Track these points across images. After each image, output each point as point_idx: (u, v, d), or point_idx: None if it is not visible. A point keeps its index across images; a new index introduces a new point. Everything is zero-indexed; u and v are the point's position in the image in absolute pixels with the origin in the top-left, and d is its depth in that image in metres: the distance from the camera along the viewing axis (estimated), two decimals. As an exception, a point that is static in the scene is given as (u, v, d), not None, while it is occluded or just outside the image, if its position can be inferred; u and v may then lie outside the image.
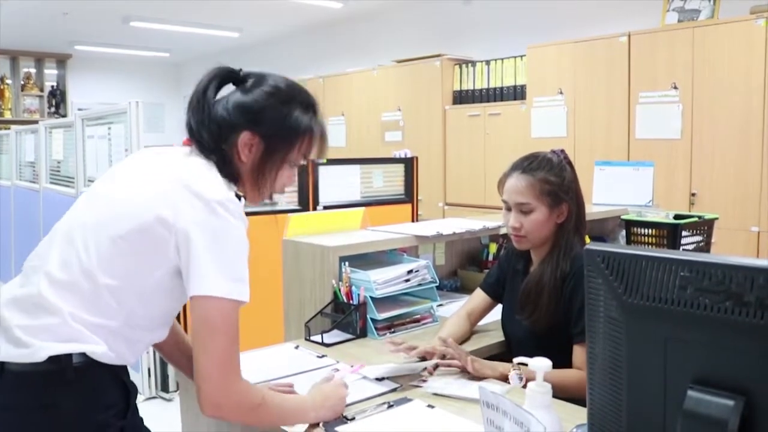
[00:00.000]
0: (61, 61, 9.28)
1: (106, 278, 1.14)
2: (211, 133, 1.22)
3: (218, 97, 1.26)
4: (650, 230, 2.56)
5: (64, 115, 9.07)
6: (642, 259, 0.87)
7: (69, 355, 1.11)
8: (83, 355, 1.12)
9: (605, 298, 0.90)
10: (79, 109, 6.36)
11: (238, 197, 1.21)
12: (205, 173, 1.19)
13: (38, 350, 1.10)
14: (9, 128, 6.30)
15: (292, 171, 1.31)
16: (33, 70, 9.13)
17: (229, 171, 1.22)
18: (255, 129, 1.23)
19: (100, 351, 1.13)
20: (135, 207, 1.16)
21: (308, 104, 1.29)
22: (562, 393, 1.35)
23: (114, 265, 1.14)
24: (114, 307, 1.15)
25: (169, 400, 3.39)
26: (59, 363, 1.10)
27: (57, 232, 1.23)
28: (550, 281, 1.69)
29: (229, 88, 1.29)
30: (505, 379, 1.53)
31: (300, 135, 1.27)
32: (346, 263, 1.98)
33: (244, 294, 1.14)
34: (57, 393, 1.11)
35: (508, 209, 1.76)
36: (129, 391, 1.22)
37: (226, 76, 1.27)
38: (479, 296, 1.97)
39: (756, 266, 0.78)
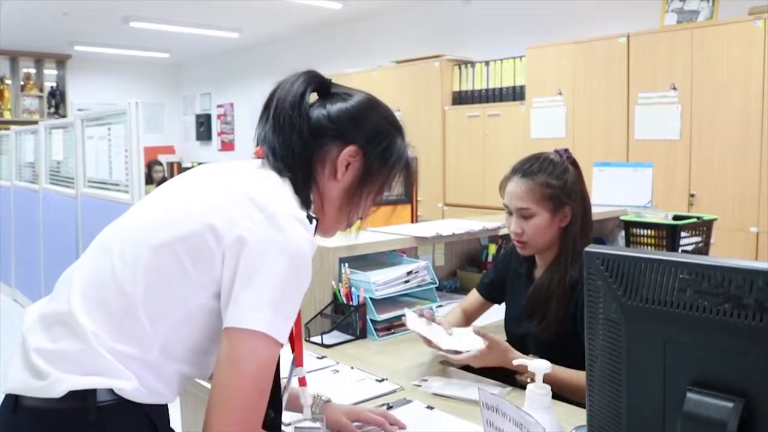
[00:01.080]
0: (61, 61, 9.28)
1: (143, 295, 0.97)
2: (305, 143, 1.06)
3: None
4: (649, 231, 2.56)
5: (64, 116, 9.07)
6: (641, 261, 0.87)
7: (93, 392, 0.94)
8: (110, 391, 0.95)
9: (604, 300, 0.90)
10: (79, 110, 6.38)
11: (310, 219, 1.04)
12: (274, 187, 1.03)
13: (55, 383, 0.93)
14: (9, 129, 6.30)
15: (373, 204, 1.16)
16: (33, 71, 9.14)
17: (305, 190, 1.06)
18: (360, 143, 1.09)
19: (130, 388, 0.95)
20: (185, 216, 1.00)
21: (403, 133, 1.16)
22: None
23: (153, 279, 0.98)
24: (149, 333, 0.97)
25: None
26: (81, 400, 0.93)
27: (93, 243, 1.08)
28: (558, 289, 1.66)
29: None
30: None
31: (399, 165, 1.14)
32: (346, 264, 1.99)
33: (283, 335, 0.96)
34: None
35: (510, 213, 1.73)
36: None
37: (320, 83, 1.11)
38: (473, 296, 1.97)
39: (755, 269, 0.78)
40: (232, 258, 0.95)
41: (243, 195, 0.99)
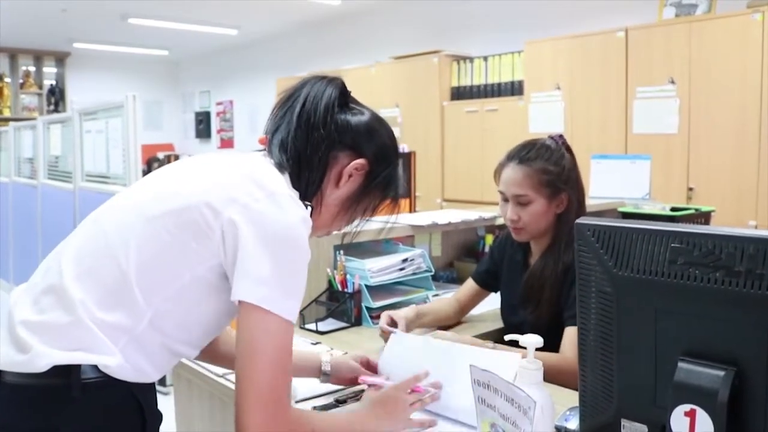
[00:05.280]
0: (60, 59, 9.28)
1: (135, 267, 0.96)
2: (329, 145, 1.09)
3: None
4: (647, 222, 2.55)
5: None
6: (632, 231, 0.87)
7: (77, 368, 0.92)
8: (94, 368, 0.93)
9: (596, 272, 0.90)
10: (78, 107, 6.35)
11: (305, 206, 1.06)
12: (275, 172, 1.04)
13: (37, 357, 0.91)
14: (7, 125, 6.30)
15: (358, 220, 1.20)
16: (32, 68, 9.13)
17: (313, 187, 1.08)
18: (369, 159, 1.12)
19: (114, 364, 0.94)
20: (182, 193, 1.00)
21: (400, 161, 1.21)
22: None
23: (145, 251, 0.97)
24: (140, 305, 0.95)
25: (166, 393, 3.39)
26: (64, 377, 0.92)
27: (84, 222, 1.08)
28: (551, 275, 1.65)
29: None
30: None
31: (394, 193, 1.19)
32: (341, 252, 1.98)
33: (294, 314, 0.96)
34: (59, 415, 0.92)
35: (505, 200, 1.71)
36: (146, 421, 1.00)
37: (343, 93, 1.14)
38: (468, 284, 1.96)
39: (746, 236, 0.78)
40: (230, 231, 0.95)
41: (243, 175, 1.00)
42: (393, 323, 1.65)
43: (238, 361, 0.95)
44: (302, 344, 1.75)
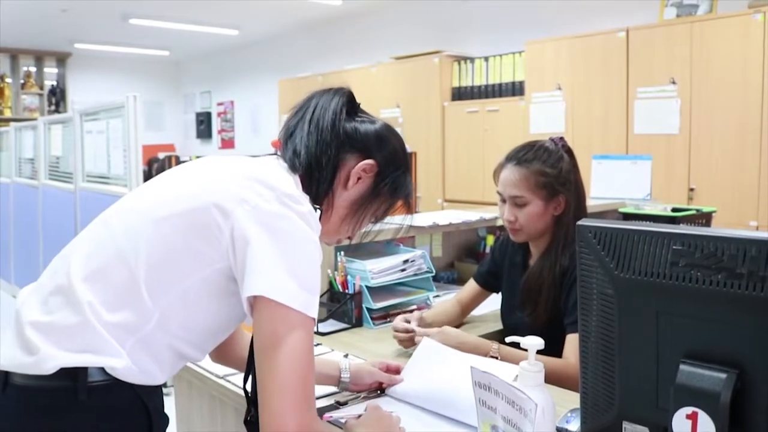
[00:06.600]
0: (61, 59, 9.28)
1: (144, 268, 0.96)
2: (338, 147, 1.11)
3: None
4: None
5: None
6: (634, 233, 0.86)
7: (84, 370, 0.93)
8: (101, 371, 0.94)
9: (597, 274, 0.90)
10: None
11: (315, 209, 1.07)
12: (284, 174, 1.05)
13: (44, 359, 0.92)
14: (9, 125, 6.30)
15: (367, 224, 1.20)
16: (33, 69, 9.14)
17: (323, 188, 1.09)
18: (378, 161, 1.14)
19: (121, 366, 0.94)
20: (191, 195, 1.01)
21: (410, 169, 1.23)
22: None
23: (154, 252, 0.97)
24: (147, 306, 0.96)
25: (166, 394, 3.38)
26: (71, 379, 0.92)
27: (92, 223, 1.09)
28: (549, 277, 1.65)
29: None
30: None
31: (404, 196, 1.20)
32: (342, 253, 1.98)
33: (313, 309, 0.96)
34: (66, 418, 0.93)
35: (503, 201, 1.72)
36: (152, 423, 1.01)
37: (351, 102, 1.17)
38: (469, 285, 1.96)
39: (748, 238, 0.77)
40: (240, 233, 0.95)
41: (252, 177, 1.01)
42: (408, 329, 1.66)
43: (261, 359, 0.93)
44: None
